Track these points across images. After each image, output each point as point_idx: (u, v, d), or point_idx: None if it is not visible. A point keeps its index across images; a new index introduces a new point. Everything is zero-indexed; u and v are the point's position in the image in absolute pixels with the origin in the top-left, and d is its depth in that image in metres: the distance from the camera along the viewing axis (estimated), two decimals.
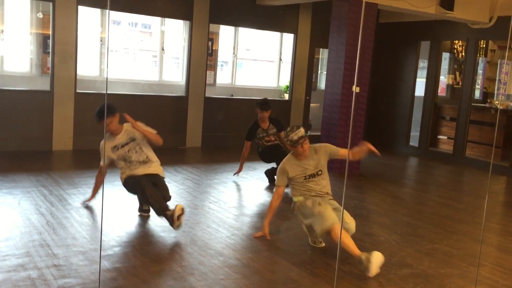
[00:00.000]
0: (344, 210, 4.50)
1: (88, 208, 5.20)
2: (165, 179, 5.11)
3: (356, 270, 4.04)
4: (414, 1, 8.18)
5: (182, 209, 4.63)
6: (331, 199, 4.52)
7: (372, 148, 4.43)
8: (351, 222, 4.35)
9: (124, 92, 8.88)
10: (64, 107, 8.13)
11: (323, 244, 4.54)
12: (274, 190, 4.73)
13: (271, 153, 6.77)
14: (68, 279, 3.52)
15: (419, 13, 8.64)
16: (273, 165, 6.84)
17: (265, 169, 7.13)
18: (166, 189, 4.99)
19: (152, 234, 4.68)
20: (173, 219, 4.54)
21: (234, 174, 7.10)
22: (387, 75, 11.02)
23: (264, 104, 6.84)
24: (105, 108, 4.92)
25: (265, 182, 6.97)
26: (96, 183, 5.23)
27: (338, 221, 4.11)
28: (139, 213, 5.11)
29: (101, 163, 5.05)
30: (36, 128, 7.98)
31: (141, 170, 4.94)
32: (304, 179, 4.47)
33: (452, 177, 9.02)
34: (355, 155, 4.59)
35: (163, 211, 4.65)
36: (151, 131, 5.02)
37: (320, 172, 4.49)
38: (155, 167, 5.05)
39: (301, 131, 4.37)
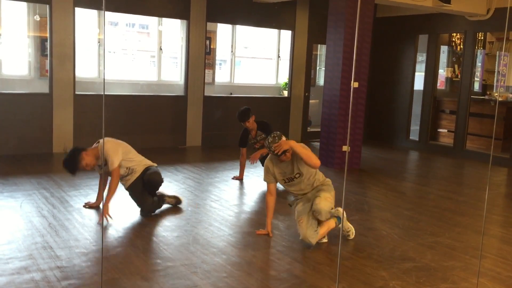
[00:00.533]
0: (324, 195, 4.40)
1: (90, 209, 5.21)
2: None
3: (359, 265, 4.05)
4: None
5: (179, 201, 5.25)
6: (322, 187, 4.51)
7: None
8: (319, 203, 4.30)
9: (123, 93, 8.88)
10: (63, 109, 8.13)
11: (325, 240, 4.54)
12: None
13: None
14: (71, 280, 3.53)
15: (416, 6, 8.63)
16: None
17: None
18: (157, 172, 5.17)
19: (154, 233, 4.68)
20: (167, 199, 5.26)
21: (233, 178, 6.96)
22: (386, 69, 11.01)
23: (241, 116, 6.52)
24: (74, 152, 4.98)
25: None
26: (99, 188, 5.26)
27: (311, 236, 4.35)
28: (140, 213, 5.12)
29: (99, 171, 5.18)
30: (36, 131, 7.98)
31: (131, 178, 5.07)
32: (284, 182, 4.53)
33: (453, 170, 9.02)
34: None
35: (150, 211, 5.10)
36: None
37: (298, 175, 4.46)
38: (139, 170, 5.11)
39: (274, 145, 4.33)
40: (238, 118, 6.60)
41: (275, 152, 4.31)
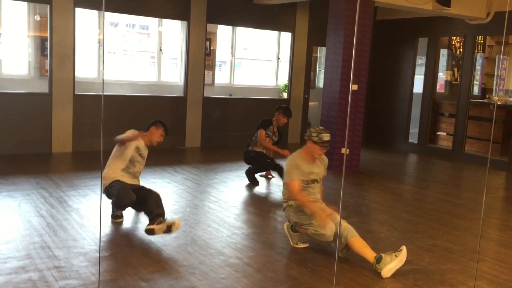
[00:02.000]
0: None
1: (87, 209, 5.21)
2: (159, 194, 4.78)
3: (357, 267, 4.06)
4: None
5: (177, 226, 4.39)
6: (322, 203, 4.51)
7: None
8: (348, 226, 4.21)
9: (123, 93, 8.88)
10: (62, 109, 8.13)
11: (306, 244, 4.49)
12: (290, 187, 4.35)
13: (255, 159, 6.80)
14: (69, 280, 3.53)
15: (416, 9, 8.65)
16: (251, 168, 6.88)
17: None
18: (159, 206, 4.57)
19: None
20: (163, 226, 4.33)
21: (267, 174, 7.13)
22: (386, 72, 11.03)
23: (288, 111, 7.00)
24: None
25: (265, 180, 7.00)
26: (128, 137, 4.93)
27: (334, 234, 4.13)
28: (112, 219, 4.90)
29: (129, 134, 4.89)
30: (35, 131, 7.98)
31: (127, 179, 4.86)
32: (305, 184, 4.38)
33: (452, 173, 9.03)
34: None
35: (122, 206, 4.70)
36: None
37: (319, 180, 4.49)
38: (138, 180, 5.06)
39: (328, 135, 4.35)
40: (284, 112, 6.96)
41: (325, 140, 4.26)
